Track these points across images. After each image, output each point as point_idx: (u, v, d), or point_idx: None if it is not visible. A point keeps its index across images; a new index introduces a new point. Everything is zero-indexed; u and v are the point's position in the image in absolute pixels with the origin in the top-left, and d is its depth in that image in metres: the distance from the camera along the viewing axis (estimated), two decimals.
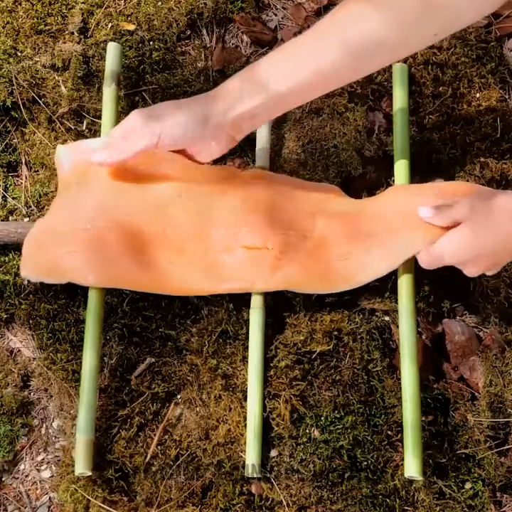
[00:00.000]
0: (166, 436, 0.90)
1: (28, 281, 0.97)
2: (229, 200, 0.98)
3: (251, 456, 0.87)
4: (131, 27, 1.12)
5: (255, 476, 0.87)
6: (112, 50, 1.05)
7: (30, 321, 0.97)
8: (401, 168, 1.00)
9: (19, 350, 0.98)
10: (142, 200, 0.97)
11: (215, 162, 1.06)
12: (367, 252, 0.94)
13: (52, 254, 0.92)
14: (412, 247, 0.93)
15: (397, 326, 0.93)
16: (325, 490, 0.88)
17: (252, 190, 0.97)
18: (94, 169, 0.96)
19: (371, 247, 0.94)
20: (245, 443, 0.88)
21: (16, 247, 0.99)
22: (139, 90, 1.09)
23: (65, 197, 0.97)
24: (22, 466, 0.93)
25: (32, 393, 0.96)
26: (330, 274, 0.94)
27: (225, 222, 0.95)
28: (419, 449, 0.86)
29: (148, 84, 1.09)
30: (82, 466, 0.85)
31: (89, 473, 0.86)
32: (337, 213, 0.98)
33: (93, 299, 0.92)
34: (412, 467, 0.85)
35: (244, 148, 1.06)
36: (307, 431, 0.90)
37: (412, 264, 0.94)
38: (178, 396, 0.92)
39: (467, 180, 1.02)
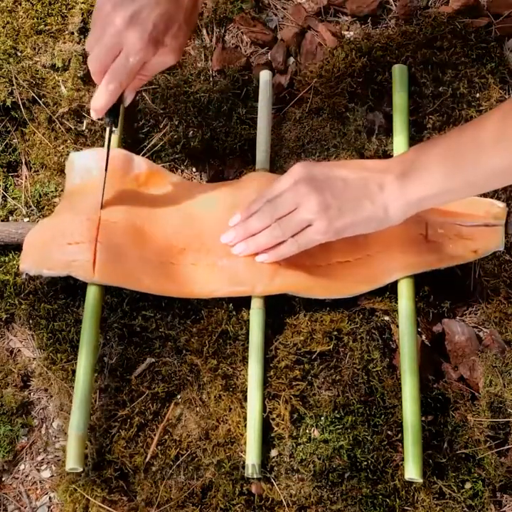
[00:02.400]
0: (166, 436, 0.90)
1: (27, 277, 0.97)
2: (229, 202, 0.98)
3: (251, 456, 0.87)
4: None
5: (255, 476, 0.87)
6: None
7: (30, 321, 0.97)
8: None
9: (19, 350, 0.98)
10: (147, 203, 0.98)
11: (215, 167, 1.06)
12: (367, 260, 0.95)
13: (53, 245, 0.93)
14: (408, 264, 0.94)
15: (397, 326, 0.93)
16: (325, 490, 0.88)
17: (252, 192, 0.97)
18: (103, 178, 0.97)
19: (371, 256, 0.95)
20: (245, 443, 0.88)
21: (16, 247, 0.99)
22: (138, 90, 1.09)
23: (70, 201, 0.98)
24: (22, 466, 0.93)
25: (32, 393, 0.96)
26: (330, 279, 0.94)
27: (224, 225, 0.95)
28: (419, 451, 0.86)
29: (148, 84, 1.09)
30: (73, 462, 0.85)
31: (80, 469, 0.86)
32: None
33: (91, 293, 0.92)
34: (412, 469, 0.85)
35: (245, 149, 1.06)
36: (307, 431, 0.90)
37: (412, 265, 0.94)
38: (178, 396, 0.92)
39: None
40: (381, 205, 0.84)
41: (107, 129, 0.92)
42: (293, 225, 0.88)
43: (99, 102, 0.86)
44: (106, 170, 0.94)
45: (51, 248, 0.93)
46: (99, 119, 0.95)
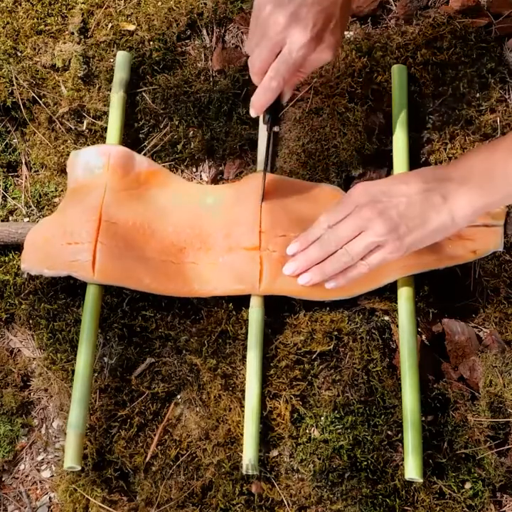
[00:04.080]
0: (166, 436, 0.90)
1: (28, 276, 0.97)
2: (229, 202, 0.98)
3: (248, 452, 0.86)
4: (131, 27, 1.12)
5: (253, 473, 0.87)
6: (121, 58, 1.06)
7: (30, 321, 0.97)
8: (401, 168, 1.00)
9: (19, 350, 0.98)
10: (147, 202, 0.98)
11: (215, 167, 1.06)
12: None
13: (55, 245, 0.93)
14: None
15: (397, 326, 0.93)
16: (325, 490, 0.88)
17: (252, 193, 0.97)
18: (105, 175, 0.98)
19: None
20: None
21: (16, 247, 0.99)
22: (139, 91, 1.09)
23: (72, 200, 0.98)
24: (22, 466, 0.93)
25: (32, 393, 0.96)
26: None
27: (225, 224, 0.96)
28: (420, 451, 0.86)
29: (148, 84, 1.09)
30: (71, 460, 0.85)
31: (79, 468, 0.86)
32: None
33: (91, 291, 0.92)
34: (412, 469, 0.85)
35: (245, 149, 1.06)
36: (307, 431, 0.90)
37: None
38: (178, 396, 0.92)
39: None
40: (447, 214, 0.85)
41: (266, 126, 0.91)
42: (361, 249, 0.87)
43: (260, 100, 0.87)
44: (265, 170, 0.95)
45: (52, 248, 0.93)
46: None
